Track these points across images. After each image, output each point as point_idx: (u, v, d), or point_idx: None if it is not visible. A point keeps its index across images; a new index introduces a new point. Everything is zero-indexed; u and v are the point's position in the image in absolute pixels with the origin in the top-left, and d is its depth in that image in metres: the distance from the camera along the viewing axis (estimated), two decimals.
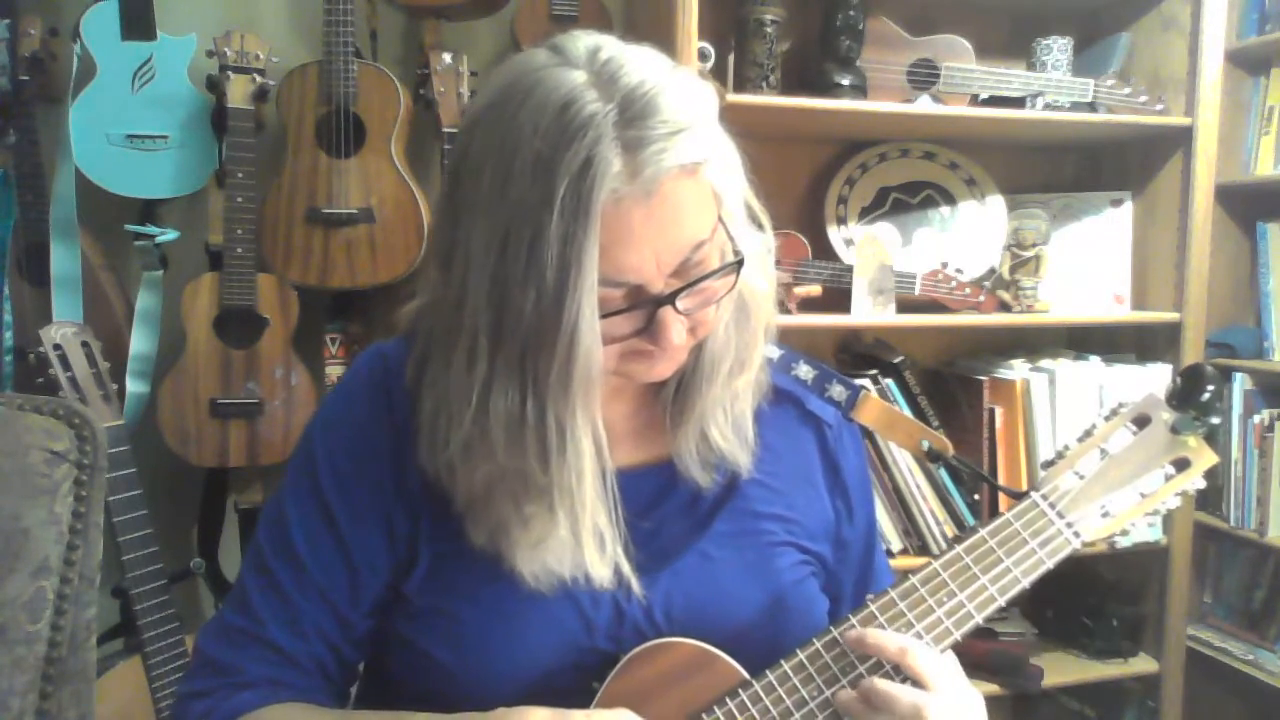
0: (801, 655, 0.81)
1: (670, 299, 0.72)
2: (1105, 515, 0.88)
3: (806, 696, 0.80)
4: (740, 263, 0.76)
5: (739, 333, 0.82)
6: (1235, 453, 2.20)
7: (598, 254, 0.67)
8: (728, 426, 0.86)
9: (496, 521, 0.77)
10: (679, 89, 0.70)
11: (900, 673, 0.79)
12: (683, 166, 0.69)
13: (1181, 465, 0.90)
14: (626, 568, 0.80)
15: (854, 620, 0.82)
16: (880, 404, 0.95)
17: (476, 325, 0.71)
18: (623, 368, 0.76)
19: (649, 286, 0.72)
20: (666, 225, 0.70)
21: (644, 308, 0.72)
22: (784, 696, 0.79)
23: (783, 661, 0.80)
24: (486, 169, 0.70)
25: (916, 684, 0.77)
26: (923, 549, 1.91)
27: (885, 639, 0.79)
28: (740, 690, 0.79)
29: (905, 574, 0.84)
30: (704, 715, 0.79)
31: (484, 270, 0.69)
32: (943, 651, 0.82)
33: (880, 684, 0.77)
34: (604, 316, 0.70)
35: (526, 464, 0.73)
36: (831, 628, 0.82)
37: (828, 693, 0.80)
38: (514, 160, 0.68)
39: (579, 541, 0.76)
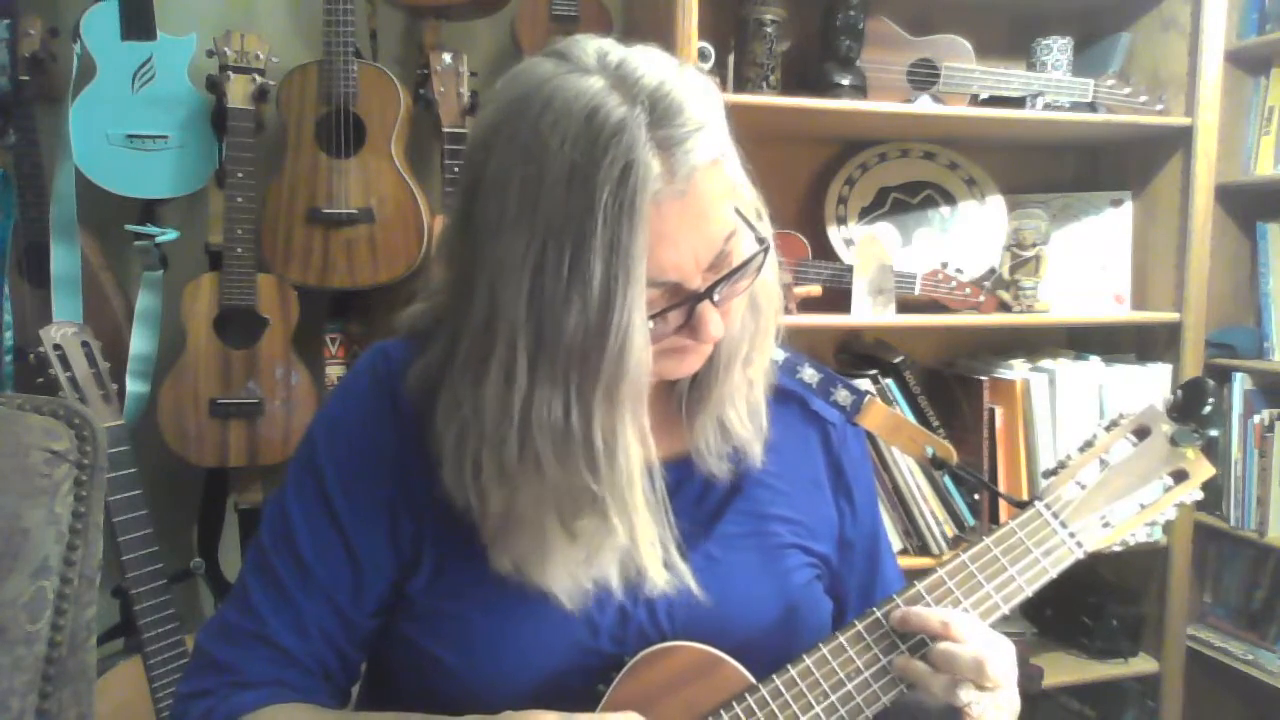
0: (824, 650, 0.81)
1: (709, 293, 0.73)
2: (1106, 525, 0.89)
3: (844, 678, 0.81)
4: (767, 248, 0.76)
5: (752, 320, 0.83)
6: (1235, 453, 2.20)
7: (645, 257, 0.67)
8: (744, 412, 0.86)
9: (533, 542, 0.76)
10: (693, 85, 0.71)
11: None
12: (712, 161, 0.70)
13: (1180, 476, 0.91)
14: (683, 567, 0.79)
15: (860, 626, 0.82)
16: (885, 410, 0.95)
17: (514, 344, 0.69)
18: (654, 367, 0.76)
19: (687, 283, 0.72)
20: (701, 221, 0.71)
21: (684, 304, 0.73)
22: (790, 702, 0.79)
23: (805, 656, 0.81)
24: (512, 185, 0.69)
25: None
26: (923, 549, 1.91)
27: (928, 614, 0.81)
28: (746, 695, 0.79)
29: (912, 581, 0.85)
30: (709, 719, 0.79)
31: (519, 287, 0.68)
32: None
33: (942, 646, 0.79)
34: (649, 317, 0.70)
35: (579, 476, 0.72)
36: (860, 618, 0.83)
37: (866, 673, 0.81)
38: (544, 173, 0.67)
39: (637, 546, 0.75)
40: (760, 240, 0.77)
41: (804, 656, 0.81)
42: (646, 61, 0.71)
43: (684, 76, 0.71)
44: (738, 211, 0.75)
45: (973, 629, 0.80)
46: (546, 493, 0.73)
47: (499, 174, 0.70)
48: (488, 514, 0.76)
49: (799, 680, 0.80)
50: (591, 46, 0.72)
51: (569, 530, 0.75)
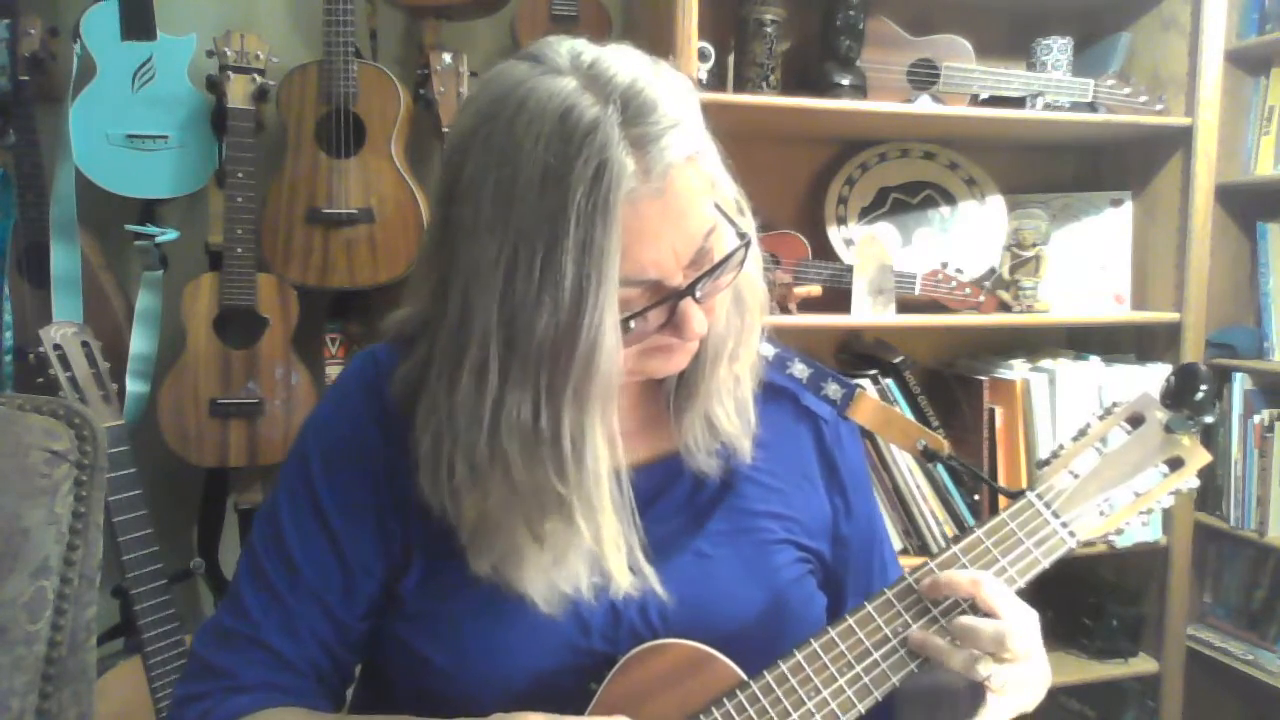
0: (815, 645, 0.81)
1: (690, 289, 0.73)
2: (1101, 514, 0.88)
3: (835, 673, 0.80)
4: (748, 243, 0.76)
5: (737, 316, 0.83)
6: (1235, 453, 2.19)
7: (619, 257, 0.67)
8: (732, 409, 0.86)
9: (506, 546, 0.76)
10: (667, 82, 0.71)
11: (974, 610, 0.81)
12: (688, 157, 0.70)
13: (1175, 464, 0.90)
14: (648, 570, 0.79)
15: (850, 620, 0.82)
16: (875, 403, 0.95)
17: (486, 346, 0.69)
18: (640, 366, 0.76)
19: (668, 280, 0.72)
20: (680, 217, 0.71)
21: (666, 302, 0.73)
22: (781, 698, 0.79)
23: (796, 651, 0.80)
24: (487, 187, 0.69)
25: (989, 615, 0.79)
26: (923, 549, 1.91)
27: (958, 576, 0.81)
28: (738, 691, 0.79)
29: (903, 575, 0.85)
30: (702, 716, 0.79)
31: (491, 290, 0.68)
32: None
33: (962, 619, 0.79)
34: (629, 317, 0.70)
35: (546, 478, 0.72)
36: (854, 610, 0.82)
37: (858, 667, 0.80)
38: (518, 174, 0.67)
39: (602, 548, 0.75)
40: (741, 235, 0.76)
41: (795, 651, 0.81)
42: (619, 60, 0.71)
43: (657, 74, 0.71)
44: (717, 207, 0.75)
45: (1000, 593, 0.80)
46: (514, 497, 0.73)
47: (474, 177, 0.70)
48: (461, 518, 0.76)
49: (790, 676, 0.80)
50: (564, 47, 0.72)
51: (536, 533, 0.75)
